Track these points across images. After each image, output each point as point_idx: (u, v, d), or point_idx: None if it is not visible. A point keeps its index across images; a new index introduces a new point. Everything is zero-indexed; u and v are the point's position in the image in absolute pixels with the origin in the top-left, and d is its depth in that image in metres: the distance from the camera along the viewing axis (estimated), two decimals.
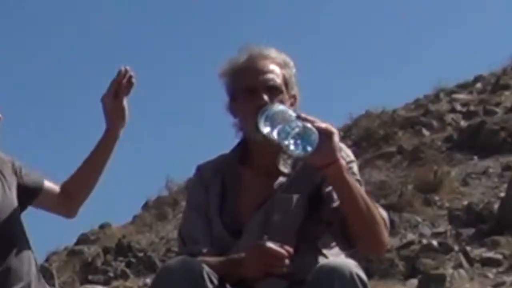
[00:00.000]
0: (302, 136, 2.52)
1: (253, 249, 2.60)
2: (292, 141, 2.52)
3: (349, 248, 2.74)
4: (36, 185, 3.18)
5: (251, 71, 2.76)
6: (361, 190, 2.64)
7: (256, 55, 2.79)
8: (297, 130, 2.51)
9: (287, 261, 2.57)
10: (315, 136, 2.51)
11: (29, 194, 3.15)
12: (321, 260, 2.67)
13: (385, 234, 2.68)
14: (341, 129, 15.30)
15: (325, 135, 2.53)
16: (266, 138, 2.64)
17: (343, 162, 2.60)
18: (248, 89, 2.74)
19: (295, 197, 2.73)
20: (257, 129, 2.62)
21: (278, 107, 2.63)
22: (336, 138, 2.56)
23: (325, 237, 2.76)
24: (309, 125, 2.52)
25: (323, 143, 2.52)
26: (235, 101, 2.81)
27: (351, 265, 2.53)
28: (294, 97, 2.82)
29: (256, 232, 2.72)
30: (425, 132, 14.02)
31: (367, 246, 2.70)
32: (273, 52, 2.80)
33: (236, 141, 2.89)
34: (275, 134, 2.56)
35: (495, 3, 36.09)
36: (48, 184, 3.21)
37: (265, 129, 2.59)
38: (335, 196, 2.70)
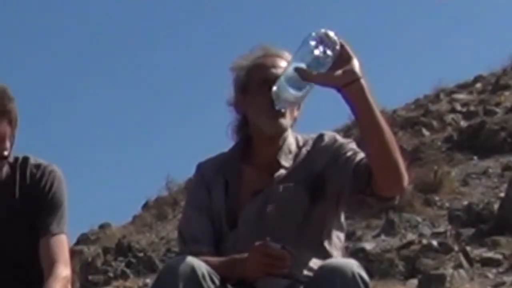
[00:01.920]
0: (324, 40, 2.47)
1: (255, 250, 2.59)
2: (313, 42, 2.46)
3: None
4: (42, 227, 3.01)
5: (269, 64, 2.78)
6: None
7: (272, 52, 2.82)
8: (318, 33, 2.47)
9: (288, 263, 2.57)
10: (336, 44, 2.46)
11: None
12: (323, 258, 2.68)
13: (404, 168, 2.57)
14: (341, 129, 15.30)
15: (346, 54, 2.50)
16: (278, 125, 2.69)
17: (364, 82, 2.51)
18: (265, 81, 2.74)
19: (292, 186, 2.74)
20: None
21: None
22: (356, 62, 2.51)
23: (328, 229, 2.77)
24: (330, 33, 2.48)
25: (344, 61, 2.49)
26: (245, 94, 2.81)
27: (353, 265, 2.52)
28: None
29: (252, 220, 2.74)
30: (425, 132, 14.02)
31: (390, 181, 2.56)
32: (286, 53, 2.81)
33: (229, 141, 2.90)
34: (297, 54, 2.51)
35: (495, 3, 36.10)
36: (56, 241, 2.99)
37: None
38: (348, 153, 2.69)
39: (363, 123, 2.54)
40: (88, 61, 36.58)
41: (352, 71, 2.49)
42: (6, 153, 2.94)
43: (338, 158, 2.72)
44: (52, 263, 2.95)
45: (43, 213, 3.01)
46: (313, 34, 2.47)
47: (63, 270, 2.95)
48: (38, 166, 3.07)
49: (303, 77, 2.49)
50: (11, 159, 3.06)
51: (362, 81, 2.50)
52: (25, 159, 3.08)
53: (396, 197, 2.67)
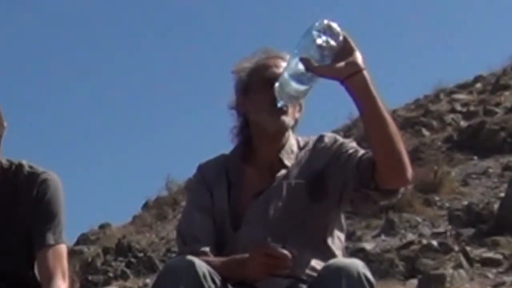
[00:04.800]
0: (327, 31, 2.47)
1: (256, 251, 2.60)
2: (316, 33, 2.46)
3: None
4: (38, 240, 2.90)
5: (270, 65, 2.79)
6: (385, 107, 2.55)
7: (274, 54, 2.83)
8: (320, 25, 2.47)
9: (290, 263, 2.57)
10: (339, 35, 2.47)
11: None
12: (326, 257, 2.68)
13: (408, 159, 2.57)
14: (341, 129, 15.31)
15: (348, 46, 2.50)
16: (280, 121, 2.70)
17: (367, 74, 2.51)
18: (266, 80, 2.75)
19: (295, 185, 2.75)
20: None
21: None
22: (359, 54, 2.51)
23: (331, 228, 2.78)
24: (333, 24, 2.48)
25: (347, 53, 2.49)
26: (246, 95, 2.82)
27: (359, 265, 2.53)
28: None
29: (256, 221, 2.74)
30: (425, 132, 14.02)
31: (394, 172, 2.56)
32: (288, 55, 2.81)
33: (230, 142, 2.91)
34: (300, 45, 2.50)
35: (495, 3, 36.10)
36: (53, 253, 2.87)
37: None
38: (349, 151, 2.70)
39: (367, 114, 2.54)
40: (88, 60, 36.58)
41: (355, 63, 2.50)
42: None
43: (340, 156, 2.72)
44: (49, 277, 2.84)
45: (38, 225, 2.90)
46: (316, 24, 2.47)
47: (61, 285, 2.85)
48: (31, 175, 2.96)
49: (306, 67, 2.49)
50: (5, 165, 2.98)
51: (365, 72, 2.51)
52: (19, 166, 2.98)
53: (400, 190, 2.67)
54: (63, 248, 2.92)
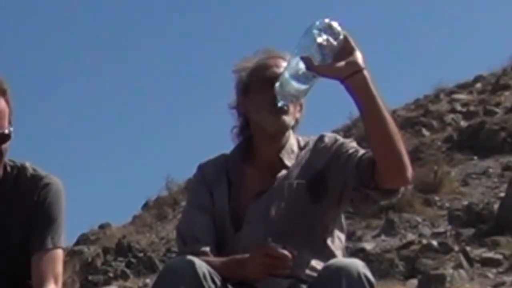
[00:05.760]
0: (327, 30, 2.48)
1: (256, 251, 2.60)
2: (316, 32, 2.47)
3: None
4: (35, 243, 2.87)
5: (271, 64, 2.80)
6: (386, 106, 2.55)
7: (275, 54, 2.84)
8: (321, 24, 2.47)
9: (290, 263, 2.57)
10: (339, 34, 2.47)
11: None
12: (326, 257, 2.69)
13: (407, 158, 2.57)
14: (341, 129, 15.31)
15: (349, 46, 2.51)
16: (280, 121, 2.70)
17: (367, 73, 2.52)
18: (266, 79, 2.75)
19: (295, 185, 2.75)
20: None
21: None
22: (359, 53, 2.52)
23: (331, 228, 2.78)
24: (334, 24, 2.48)
25: (347, 52, 2.50)
26: (246, 95, 2.82)
27: (359, 265, 2.53)
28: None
29: (256, 221, 2.74)
30: (425, 132, 14.02)
31: (394, 172, 2.56)
32: (288, 55, 2.82)
33: (230, 142, 2.91)
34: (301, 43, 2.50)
35: (495, 3, 36.10)
36: (49, 256, 2.85)
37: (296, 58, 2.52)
38: (349, 150, 2.71)
39: (367, 114, 2.54)
40: (88, 60, 36.60)
41: (355, 62, 2.50)
42: (6, 131, 2.81)
43: (340, 156, 2.73)
44: (41, 281, 2.83)
45: (38, 228, 2.89)
46: (317, 23, 2.48)
47: None
48: (34, 177, 2.94)
49: (307, 66, 2.49)
50: (8, 166, 2.95)
51: (365, 72, 2.51)
52: (22, 169, 2.96)
53: (400, 190, 2.67)
54: (59, 253, 2.91)
